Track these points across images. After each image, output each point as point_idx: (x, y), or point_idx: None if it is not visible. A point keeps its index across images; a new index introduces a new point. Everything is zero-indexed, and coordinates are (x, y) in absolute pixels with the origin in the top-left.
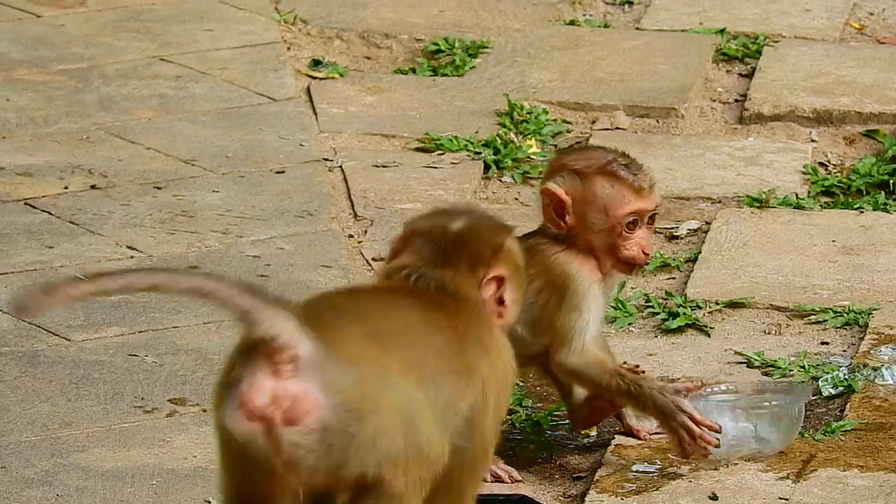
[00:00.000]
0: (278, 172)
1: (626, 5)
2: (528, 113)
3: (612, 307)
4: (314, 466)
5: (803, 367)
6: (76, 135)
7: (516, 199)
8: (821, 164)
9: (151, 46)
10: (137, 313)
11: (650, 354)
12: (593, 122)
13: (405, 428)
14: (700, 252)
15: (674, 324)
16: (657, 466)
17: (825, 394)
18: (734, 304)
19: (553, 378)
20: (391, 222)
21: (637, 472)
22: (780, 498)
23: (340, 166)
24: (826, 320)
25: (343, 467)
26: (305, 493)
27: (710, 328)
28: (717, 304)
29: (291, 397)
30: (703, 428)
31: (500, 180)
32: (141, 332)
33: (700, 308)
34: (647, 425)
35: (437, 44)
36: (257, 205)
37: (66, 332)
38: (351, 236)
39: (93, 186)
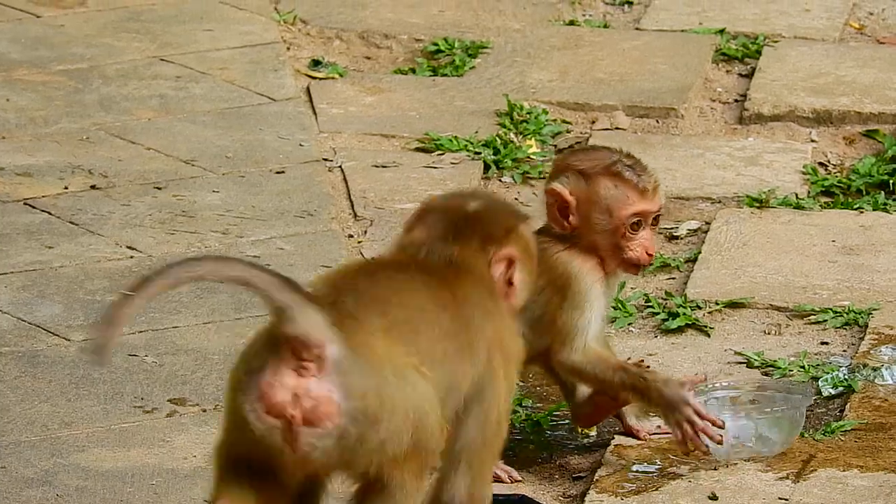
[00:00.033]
0: (278, 172)
1: (626, 5)
2: (528, 113)
3: (612, 307)
4: (324, 463)
5: (803, 367)
6: (76, 135)
7: (516, 199)
8: (820, 164)
9: (151, 47)
10: (137, 313)
11: (650, 354)
12: (593, 122)
13: (414, 427)
14: (700, 252)
15: (674, 324)
16: (657, 466)
17: (825, 394)
18: (734, 304)
19: (556, 377)
20: (391, 222)
21: (637, 472)
22: (780, 498)
23: (340, 166)
24: (826, 320)
25: (351, 464)
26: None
27: (710, 328)
28: (717, 304)
29: (314, 398)
30: (706, 422)
31: (500, 180)
32: (141, 332)
33: (700, 308)
34: (647, 425)
35: (436, 44)
36: (257, 205)
37: (66, 332)
38: (351, 236)
39: (93, 186)
